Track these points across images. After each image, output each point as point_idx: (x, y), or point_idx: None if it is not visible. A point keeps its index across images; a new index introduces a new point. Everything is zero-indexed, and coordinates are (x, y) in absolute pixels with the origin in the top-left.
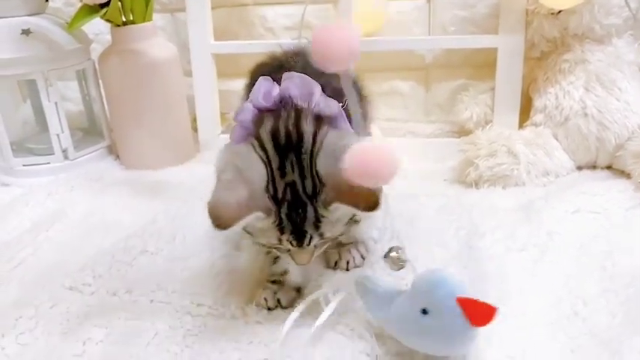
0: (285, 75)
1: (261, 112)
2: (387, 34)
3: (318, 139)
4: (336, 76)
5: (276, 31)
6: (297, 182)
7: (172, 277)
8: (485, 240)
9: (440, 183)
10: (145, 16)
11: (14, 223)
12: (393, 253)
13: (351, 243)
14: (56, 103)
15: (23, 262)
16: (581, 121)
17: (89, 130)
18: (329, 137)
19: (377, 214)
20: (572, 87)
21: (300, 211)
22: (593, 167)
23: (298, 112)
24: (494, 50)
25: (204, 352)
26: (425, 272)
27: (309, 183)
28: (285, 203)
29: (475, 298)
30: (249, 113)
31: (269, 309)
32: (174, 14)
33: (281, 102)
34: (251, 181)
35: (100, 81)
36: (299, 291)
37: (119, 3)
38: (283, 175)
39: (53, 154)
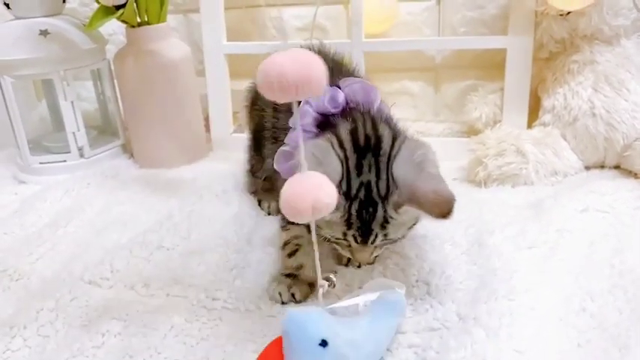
0: (344, 82)
1: (325, 117)
2: (397, 34)
3: (397, 144)
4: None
5: (288, 31)
6: (372, 182)
7: (188, 272)
8: (495, 237)
9: (449, 182)
10: (160, 17)
11: (33, 219)
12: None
13: None
14: (72, 102)
15: (43, 257)
16: (590, 121)
17: (104, 129)
18: (407, 143)
19: None
20: (580, 87)
21: (370, 209)
22: (602, 167)
23: (373, 117)
24: (503, 51)
25: (220, 344)
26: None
27: (382, 184)
28: (357, 201)
29: None
30: (310, 117)
31: (283, 303)
32: (187, 15)
33: (347, 107)
34: (327, 173)
35: (115, 80)
36: (312, 286)
37: (134, 4)
38: (360, 173)
39: (69, 152)
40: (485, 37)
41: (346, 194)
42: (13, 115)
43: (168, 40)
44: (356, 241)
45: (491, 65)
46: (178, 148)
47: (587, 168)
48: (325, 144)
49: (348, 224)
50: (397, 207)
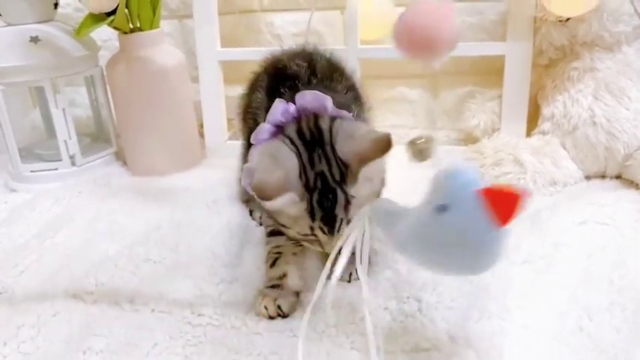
0: (298, 95)
1: (279, 128)
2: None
3: (334, 129)
4: (340, 89)
5: (283, 37)
6: (325, 171)
7: (174, 286)
8: None
9: None
10: (153, 23)
11: (21, 229)
12: (419, 141)
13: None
14: (64, 110)
15: (28, 269)
16: (590, 130)
17: (97, 136)
18: (343, 125)
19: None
20: (580, 95)
21: (330, 196)
22: (602, 177)
23: (315, 115)
24: (502, 57)
25: None
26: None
27: (335, 170)
28: (317, 191)
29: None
30: (266, 133)
31: (270, 317)
32: (181, 20)
33: (298, 116)
34: (286, 167)
35: (108, 87)
36: (298, 295)
37: (126, 10)
38: (312, 166)
39: (61, 160)
40: (483, 43)
41: (306, 186)
42: (3, 123)
43: (162, 47)
44: (323, 232)
45: (490, 71)
46: (172, 155)
47: (588, 178)
48: (278, 143)
49: (312, 215)
50: (353, 181)
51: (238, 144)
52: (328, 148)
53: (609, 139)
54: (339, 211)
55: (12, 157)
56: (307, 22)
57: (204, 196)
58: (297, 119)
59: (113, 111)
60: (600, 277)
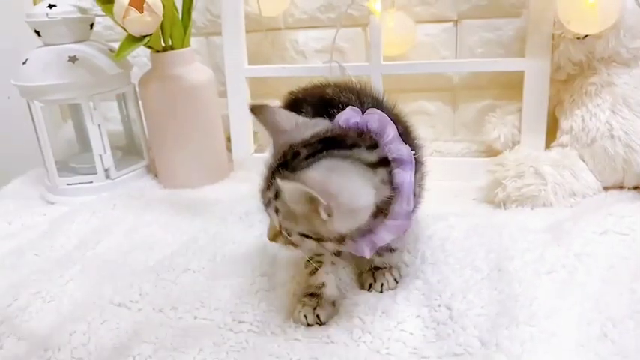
0: (369, 110)
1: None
2: (415, 55)
3: (349, 143)
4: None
5: (307, 54)
6: (300, 157)
7: (214, 295)
8: (515, 262)
9: (468, 202)
10: (184, 42)
11: (62, 241)
12: None
13: (386, 267)
14: (99, 126)
15: (73, 279)
16: (608, 143)
17: (128, 150)
18: (342, 159)
19: (408, 238)
20: (598, 109)
21: (279, 170)
22: (620, 187)
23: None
24: (521, 72)
25: None
26: None
27: (302, 165)
28: (280, 160)
29: None
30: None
31: (308, 325)
32: (208, 38)
33: (358, 130)
34: (294, 133)
35: (140, 102)
36: (334, 305)
37: (159, 30)
38: (304, 146)
39: (96, 173)
40: (503, 59)
41: (284, 152)
42: (42, 138)
43: (192, 65)
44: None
45: (509, 85)
46: (201, 168)
47: (606, 189)
48: (320, 122)
49: (268, 173)
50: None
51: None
52: (321, 155)
53: (627, 151)
54: (271, 191)
55: (49, 170)
56: (330, 38)
57: (235, 208)
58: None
59: (144, 125)
60: (622, 286)
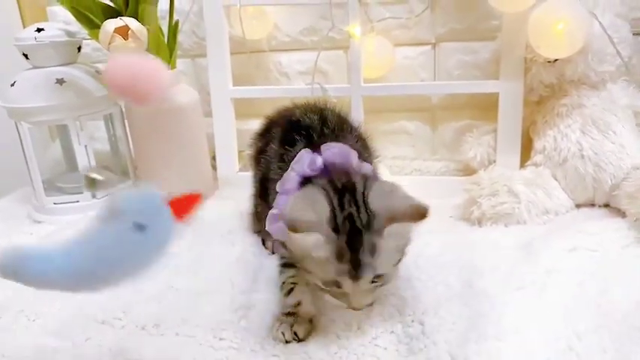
0: (325, 146)
1: (306, 179)
2: (394, 77)
3: (368, 183)
4: (351, 139)
5: (290, 75)
6: (354, 214)
7: (196, 312)
8: (485, 279)
9: (445, 219)
10: (170, 64)
11: None
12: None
13: None
14: (86, 146)
15: (59, 297)
16: (579, 162)
17: (115, 169)
18: (379, 182)
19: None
20: (569, 130)
21: (357, 238)
22: (592, 205)
23: (347, 171)
24: (496, 93)
25: None
26: (116, 196)
27: (363, 215)
28: (345, 232)
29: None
30: (294, 182)
31: (286, 342)
32: (194, 59)
33: (325, 169)
34: (317, 211)
35: (127, 123)
36: (311, 322)
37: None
38: (342, 209)
39: (82, 192)
40: (478, 82)
41: (334, 229)
42: (29, 158)
43: (178, 86)
44: (349, 275)
45: (485, 106)
46: (186, 186)
47: (578, 206)
48: (311, 188)
49: (339, 256)
50: (380, 230)
51: (248, 175)
52: (359, 195)
53: (597, 170)
54: (365, 256)
55: (36, 189)
56: (312, 61)
57: (218, 227)
58: (327, 172)
59: (131, 145)
60: (589, 302)
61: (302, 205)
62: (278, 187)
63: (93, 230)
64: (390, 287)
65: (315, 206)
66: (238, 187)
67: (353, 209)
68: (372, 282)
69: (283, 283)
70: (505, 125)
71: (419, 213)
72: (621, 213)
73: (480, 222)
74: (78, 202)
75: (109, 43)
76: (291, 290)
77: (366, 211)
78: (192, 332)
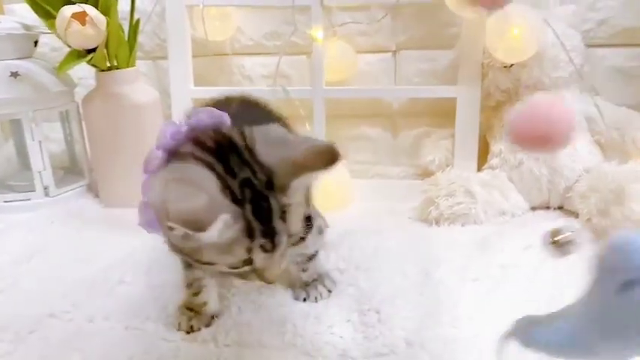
0: (193, 110)
1: (172, 154)
2: (355, 83)
3: (249, 134)
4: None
5: (253, 78)
6: (250, 177)
7: (147, 305)
8: (441, 270)
9: (404, 220)
10: (129, 62)
11: None
12: (561, 236)
13: (316, 280)
14: (40, 142)
15: (3, 291)
16: (534, 165)
17: (70, 169)
18: (261, 130)
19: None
20: None
21: (264, 204)
22: (547, 207)
23: (215, 127)
24: (454, 100)
25: None
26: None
27: (261, 176)
28: (248, 202)
29: None
30: (157, 159)
31: (185, 331)
32: (156, 61)
33: (193, 135)
34: (204, 187)
35: (83, 122)
36: (214, 317)
37: (104, 49)
38: (233, 175)
39: (34, 190)
40: (437, 87)
41: (234, 200)
42: None
43: (137, 84)
44: (265, 249)
45: (443, 113)
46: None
47: (534, 209)
48: (180, 165)
49: (250, 232)
50: (285, 189)
51: None
52: (246, 153)
53: (551, 172)
54: (277, 223)
55: None
56: (275, 64)
57: None
58: (193, 138)
59: (87, 145)
60: (542, 294)
61: (182, 191)
62: (143, 169)
63: (588, 293)
64: (349, 278)
65: (200, 183)
66: None
67: (246, 172)
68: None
69: (190, 283)
70: (463, 129)
71: (328, 156)
72: (575, 214)
73: (437, 222)
74: (29, 200)
75: (66, 29)
76: (199, 292)
77: (261, 169)
78: (143, 325)
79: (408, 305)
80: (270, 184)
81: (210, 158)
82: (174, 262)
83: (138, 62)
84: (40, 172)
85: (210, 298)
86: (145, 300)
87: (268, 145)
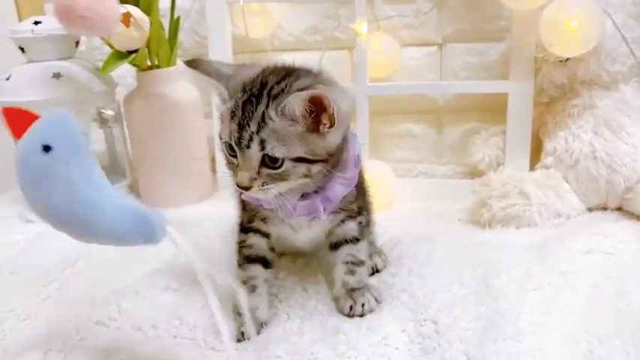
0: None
1: None
2: (400, 78)
3: (311, 72)
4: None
5: None
6: (270, 82)
7: (194, 313)
8: (501, 278)
9: (454, 223)
10: (170, 61)
11: (39, 259)
12: None
13: (363, 287)
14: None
15: (50, 297)
16: (591, 164)
17: (112, 169)
18: (318, 77)
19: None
20: (581, 131)
21: (254, 101)
22: (604, 209)
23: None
24: (504, 95)
25: None
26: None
27: (279, 87)
28: (248, 93)
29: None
30: None
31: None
32: None
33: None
34: (242, 73)
35: (125, 121)
36: (262, 325)
37: (146, 48)
38: (265, 75)
39: None
40: (487, 82)
41: (244, 89)
42: None
43: (178, 84)
44: (235, 140)
45: (493, 109)
46: (185, 188)
47: (590, 210)
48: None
49: (232, 115)
50: (278, 106)
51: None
52: (293, 75)
53: (610, 172)
54: (252, 122)
55: None
56: (316, 61)
57: (218, 227)
58: None
59: (128, 144)
60: (607, 305)
61: (230, 65)
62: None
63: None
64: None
65: (244, 69)
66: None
67: (273, 78)
68: (266, 166)
69: (244, 281)
70: (514, 126)
71: (310, 94)
72: (635, 217)
73: (489, 224)
74: None
75: None
76: (251, 293)
77: (285, 86)
78: (191, 334)
79: (467, 316)
80: (276, 96)
81: (272, 66)
82: (222, 267)
83: (178, 60)
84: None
85: (261, 303)
86: (191, 307)
87: (308, 80)
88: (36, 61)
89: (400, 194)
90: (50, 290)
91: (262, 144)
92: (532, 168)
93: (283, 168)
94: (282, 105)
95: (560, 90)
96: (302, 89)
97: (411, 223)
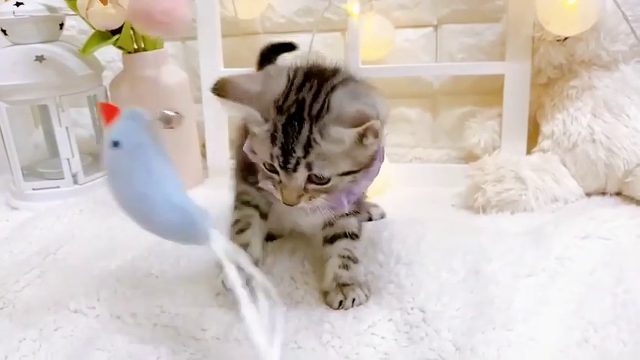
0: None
1: None
2: (394, 61)
3: (341, 76)
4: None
5: (285, 57)
6: (307, 100)
7: (176, 301)
8: (493, 265)
9: (447, 208)
10: (157, 44)
11: (22, 246)
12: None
13: (354, 283)
14: (67, 128)
15: (29, 284)
16: (590, 147)
17: (98, 155)
18: (351, 84)
19: (382, 239)
20: (579, 113)
21: (296, 125)
22: (603, 193)
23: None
24: (501, 77)
25: None
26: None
27: (317, 106)
28: (286, 115)
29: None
30: None
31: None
32: (185, 42)
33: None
34: (270, 87)
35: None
36: (256, 264)
37: (131, 30)
38: (299, 91)
39: (63, 178)
40: (483, 62)
41: (279, 108)
42: (7, 141)
43: (165, 66)
44: (278, 161)
45: (489, 91)
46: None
47: (588, 194)
48: (282, 66)
49: (273, 139)
50: (323, 129)
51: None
52: (327, 86)
53: (609, 155)
54: (297, 147)
55: (14, 175)
56: (308, 43)
57: (211, 214)
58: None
59: None
60: (604, 291)
61: (257, 77)
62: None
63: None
64: (389, 273)
65: (272, 84)
66: (228, 175)
67: (309, 96)
68: (312, 182)
69: (237, 220)
70: (511, 109)
71: (359, 119)
72: (635, 201)
73: (484, 209)
74: (58, 187)
75: (87, 9)
76: (244, 230)
77: (322, 103)
78: (172, 322)
79: (456, 304)
80: (317, 116)
81: (299, 74)
82: (204, 254)
83: (166, 44)
84: (68, 159)
85: (254, 241)
86: (173, 295)
87: (346, 94)
88: (18, 44)
89: (394, 180)
90: (30, 278)
91: (309, 166)
92: (529, 152)
93: (331, 183)
94: (329, 130)
95: (558, 71)
96: (345, 112)
97: (404, 209)
